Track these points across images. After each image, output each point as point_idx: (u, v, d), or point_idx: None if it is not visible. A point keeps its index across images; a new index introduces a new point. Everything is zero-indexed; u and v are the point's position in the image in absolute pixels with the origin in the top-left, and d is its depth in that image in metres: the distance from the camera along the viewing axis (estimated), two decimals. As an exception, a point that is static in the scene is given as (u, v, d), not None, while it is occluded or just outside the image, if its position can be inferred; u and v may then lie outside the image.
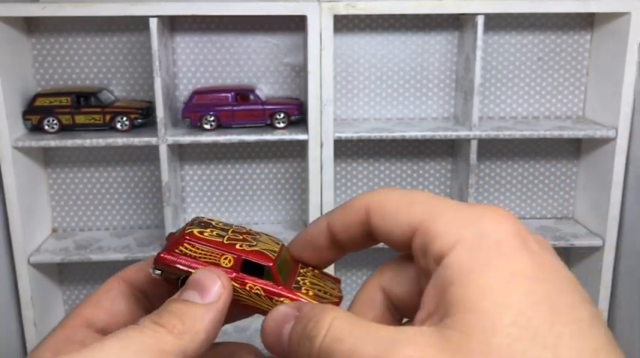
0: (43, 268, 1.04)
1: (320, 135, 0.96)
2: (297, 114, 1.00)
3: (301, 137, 0.97)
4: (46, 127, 0.99)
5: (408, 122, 1.07)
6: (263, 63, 1.06)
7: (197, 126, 1.00)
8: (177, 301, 0.29)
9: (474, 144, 0.99)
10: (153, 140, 0.96)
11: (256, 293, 0.32)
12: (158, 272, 0.32)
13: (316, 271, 0.34)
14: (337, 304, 0.33)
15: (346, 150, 1.10)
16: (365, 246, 0.31)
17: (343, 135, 0.98)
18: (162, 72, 0.94)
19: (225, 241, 0.33)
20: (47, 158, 1.08)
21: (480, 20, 0.93)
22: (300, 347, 0.27)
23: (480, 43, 0.94)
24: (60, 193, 1.09)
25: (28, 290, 0.99)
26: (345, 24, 1.05)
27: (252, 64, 1.06)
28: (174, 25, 1.04)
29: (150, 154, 1.07)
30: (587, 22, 1.05)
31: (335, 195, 1.10)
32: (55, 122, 0.99)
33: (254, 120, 1.00)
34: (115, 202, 1.11)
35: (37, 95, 0.99)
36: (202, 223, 0.34)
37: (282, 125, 1.00)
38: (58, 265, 1.12)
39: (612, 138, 0.98)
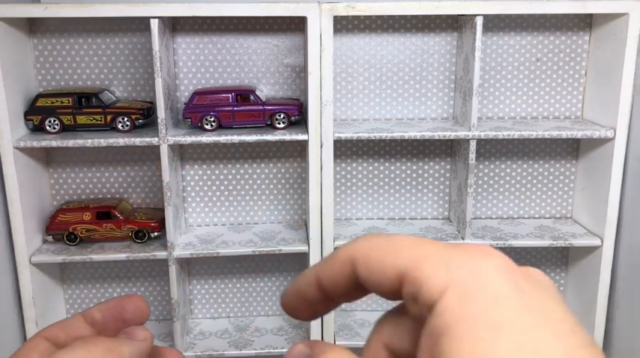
0: (44, 267, 1.04)
1: (320, 136, 0.97)
2: (297, 114, 1.01)
3: (301, 137, 0.97)
4: (48, 127, 0.99)
5: (407, 122, 1.07)
6: (263, 64, 1.07)
7: (198, 127, 1.01)
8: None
9: (472, 144, 0.99)
10: (154, 140, 0.96)
11: None
12: None
13: None
14: None
15: (346, 150, 1.11)
16: (358, 298, 0.30)
17: (343, 136, 0.98)
18: (163, 73, 0.95)
19: None
20: (49, 158, 1.09)
21: (479, 21, 0.94)
22: None
23: (478, 43, 0.95)
24: (61, 193, 1.10)
25: (29, 289, 0.99)
26: (344, 25, 1.05)
27: (253, 64, 1.07)
28: (175, 26, 1.04)
29: (151, 154, 1.08)
30: (585, 22, 1.06)
31: (335, 195, 1.11)
32: (56, 122, 0.99)
33: (254, 121, 1.01)
34: (116, 202, 1.11)
35: (39, 96, 1.00)
36: None
37: (282, 125, 1.01)
38: (60, 264, 1.12)
39: (610, 139, 0.98)
